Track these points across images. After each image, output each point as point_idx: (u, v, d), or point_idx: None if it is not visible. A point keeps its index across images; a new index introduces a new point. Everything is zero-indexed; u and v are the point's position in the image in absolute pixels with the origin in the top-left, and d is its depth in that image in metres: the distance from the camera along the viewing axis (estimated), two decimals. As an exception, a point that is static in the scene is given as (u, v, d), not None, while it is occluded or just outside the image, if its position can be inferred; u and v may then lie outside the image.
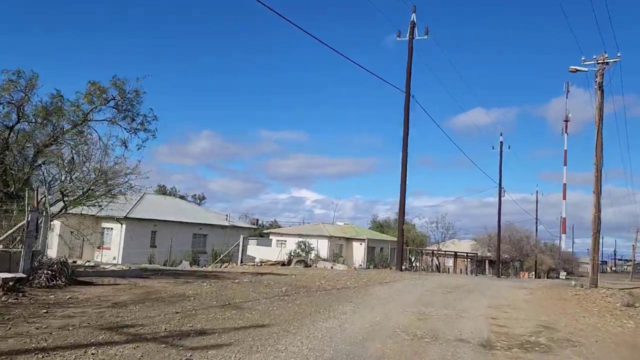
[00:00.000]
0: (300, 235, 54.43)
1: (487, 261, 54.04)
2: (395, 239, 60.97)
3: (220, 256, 24.92)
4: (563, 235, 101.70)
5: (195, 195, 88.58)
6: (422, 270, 29.83)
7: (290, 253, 27.62)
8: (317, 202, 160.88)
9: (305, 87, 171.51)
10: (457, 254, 56.64)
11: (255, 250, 42.01)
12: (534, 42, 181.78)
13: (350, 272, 22.02)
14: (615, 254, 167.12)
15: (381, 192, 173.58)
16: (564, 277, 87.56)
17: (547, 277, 75.50)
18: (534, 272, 61.26)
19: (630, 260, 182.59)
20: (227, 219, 39.65)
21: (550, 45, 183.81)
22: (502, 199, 37.39)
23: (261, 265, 22.00)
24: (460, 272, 43.63)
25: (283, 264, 22.52)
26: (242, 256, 22.16)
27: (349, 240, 54.25)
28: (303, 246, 27.38)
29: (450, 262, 76.50)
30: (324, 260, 25.77)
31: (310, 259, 26.27)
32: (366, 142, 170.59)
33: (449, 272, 46.67)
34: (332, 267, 23.17)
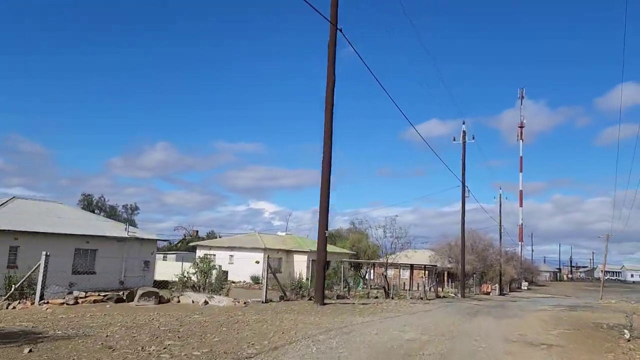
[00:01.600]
0: (231, 248, 46.32)
1: (446, 273, 47.63)
2: (346, 250, 53.58)
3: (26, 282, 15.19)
4: (520, 243, 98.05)
5: (126, 205, 78.68)
6: (365, 295, 22.54)
7: (183, 273, 19.46)
8: (276, 213, 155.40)
9: (260, 98, 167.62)
10: (414, 266, 50.06)
11: (173, 267, 33.45)
12: (484, 52, 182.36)
13: (214, 317, 12.69)
14: (571, 262, 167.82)
15: (339, 203, 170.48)
16: (526, 288, 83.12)
17: (510, 289, 70.35)
18: (497, 285, 55.42)
19: (585, 267, 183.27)
20: (126, 229, 31.08)
21: (504, 54, 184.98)
22: (465, 198, 30.69)
23: (76, 302, 13.35)
24: (417, 288, 36.71)
25: (119, 299, 14.18)
26: (42, 286, 13.44)
27: (289, 252, 46.51)
28: (202, 263, 19.38)
29: (407, 274, 69.98)
30: (197, 290, 17.39)
31: (177, 289, 18.09)
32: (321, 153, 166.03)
33: (404, 288, 39.66)
34: (205, 303, 15.03)
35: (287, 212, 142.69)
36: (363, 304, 17.40)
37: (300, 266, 45.28)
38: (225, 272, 33.98)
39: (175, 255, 47.75)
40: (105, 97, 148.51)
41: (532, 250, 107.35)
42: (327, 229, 15.72)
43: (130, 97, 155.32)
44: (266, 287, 17.42)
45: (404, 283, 52.35)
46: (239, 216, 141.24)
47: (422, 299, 26.01)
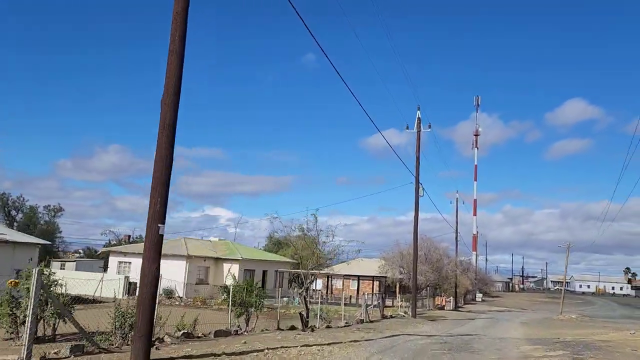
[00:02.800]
0: (149, 255, 39.68)
1: (398, 286, 42.61)
2: (287, 259, 47.80)
3: None
4: (475, 253, 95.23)
5: (48, 206, 69.69)
6: (286, 317, 17.05)
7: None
8: (232, 220, 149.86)
9: (219, 102, 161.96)
10: (361, 277, 45.02)
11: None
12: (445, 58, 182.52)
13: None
14: (523, 272, 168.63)
15: (299, 210, 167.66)
16: (480, 300, 79.86)
17: (465, 301, 66.46)
18: (452, 298, 51.04)
19: (535, 277, 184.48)
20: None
21: (461, 60, 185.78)
22: (419, 197, 25.53)
23: None
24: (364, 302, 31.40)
25: None
26: None
27: (218, 260, 40.17)
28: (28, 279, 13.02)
29: (356, 285, 64.83)
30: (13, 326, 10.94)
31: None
32: (282, 160, 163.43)
33: (350, 302, 34.22)
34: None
35: (245, 220, 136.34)
36: (241, 353, 9.91)
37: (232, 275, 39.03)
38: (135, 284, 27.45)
39: (75, 263, 40.43)
40: (53, 96, 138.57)
41: (487, 260, 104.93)
42: (162, 222, 8.97)
43: (78, 97, 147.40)
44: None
45: (351, 297, 46.94)
46: (193, 222, 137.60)
47: (362, 322, 20.54)
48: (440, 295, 56.10)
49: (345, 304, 34.13)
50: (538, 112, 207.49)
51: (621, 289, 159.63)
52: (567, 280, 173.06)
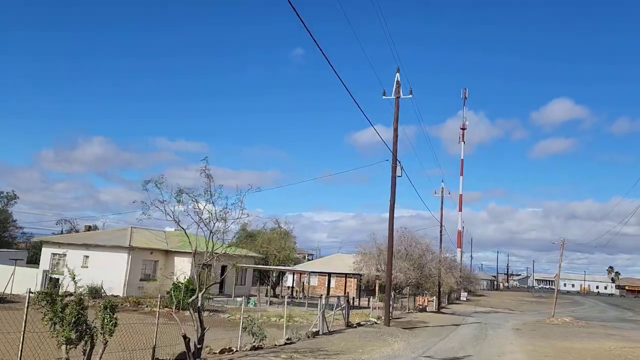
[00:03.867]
0: (86, 246, 34.22)
1: (377, 284, 37.89)
2: (252, 254, 42.49)
3: None
4: (458, 250, 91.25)
5: (1, 193, 63.64)
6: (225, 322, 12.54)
7: None
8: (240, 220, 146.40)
9: (206, 95, 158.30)
10: (333, 275, 40.36)
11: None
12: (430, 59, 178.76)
13: None
14: (508, 270, 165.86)
15: (284, 206, 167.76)
16: (465, 299, 75.77)
17: (449, 300, 62.26)
18: (436, 297, 46.65)
19: (519, 275, 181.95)
20: None
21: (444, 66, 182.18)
22: (396, 178, 20.67)
23: None
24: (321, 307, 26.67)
25: None
26: None
27: (169, 253, 35.02)
28: None
29: (333, 283, 60.16)
30: None
31: None
32: (268, 155, 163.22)
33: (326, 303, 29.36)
34: None
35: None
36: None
37: (184, 271, 33.94)
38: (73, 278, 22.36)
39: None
40: (35, 83, 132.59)
41: (472, 257, 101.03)
42: None
43: (61, 85, 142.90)
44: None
45: (321, 296, 42.20)
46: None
47: (315, 334, 15.69)
48: (422, 295, 51.70)
49: (311, 305, 29.36)
50: (524, 110, 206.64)
51: (605, 288, 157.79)
52: (551, 279, 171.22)
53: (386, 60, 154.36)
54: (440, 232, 40.25)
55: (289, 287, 54.97)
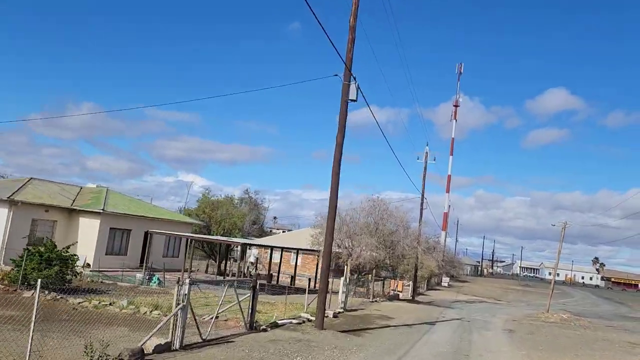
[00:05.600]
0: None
1: (347, 264, 30.75)
2: (189, 219, 34.21)
3: None
4: (444, 232, 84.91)
5: None
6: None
7: None
8: (205, 187, 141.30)
9: (197, 66, 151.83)
10: (286, 250, 33.44)
11: None
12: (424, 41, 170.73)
13: None
14: (493, 257, 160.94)
15: (273, 182, 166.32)
16: (447, 285, 69.32)
17: (429, 286, 55.76)
18: (412, 281, 39.95)
19: (503, 262, 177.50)
20: None
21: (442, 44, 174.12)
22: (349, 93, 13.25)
23: None
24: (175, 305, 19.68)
25: None
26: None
27: (73, 213, 27.52)
28: None
29: (299, 260, 53.55)
30: None
31: None
32: (261, 130, 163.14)
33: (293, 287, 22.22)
34: None
35: (189, 183, 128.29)
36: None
37: (90, 236, 26.55)
38: None
39: None
40: (21, 44, 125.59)
41: (457, 241, 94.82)
42: None
43: (50, 46, 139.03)
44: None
45: (272, 275, 35.06)
46: (166, 187, 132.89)
47: (176, 349, 8.48)
48: (396, 279, 44.94)
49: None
50: (519, 98, 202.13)
51: (591, 279, 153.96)
52: (537, 267, 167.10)
53: (383, 37, 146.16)
54: (422, 204, 33.22)
55: (252, 263, 48.00)
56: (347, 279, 20.36)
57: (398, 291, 37.89)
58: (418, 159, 34.40)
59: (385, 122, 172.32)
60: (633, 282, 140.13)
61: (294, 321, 13.72)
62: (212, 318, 11.44)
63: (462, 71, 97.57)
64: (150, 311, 12.76)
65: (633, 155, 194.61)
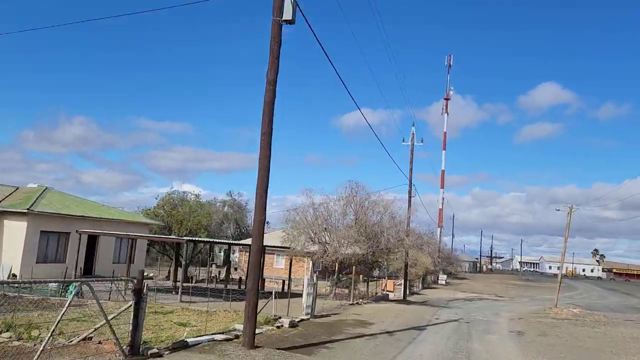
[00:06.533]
0: None
1: (336, 264, 26.16)
2: (145, 220, 29.11)
3: None
4: (440, 229, 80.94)
5: None
6: None
7: None
8: (201, 196, 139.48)
9: (189, 77, 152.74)
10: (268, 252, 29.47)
11: None
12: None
13: None
14: (491, 252, 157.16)
15: (270, 188, 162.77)
16: (444, 282, 65.14)
17: (424, 284, 51.70)
18: (404, 280, 35.97)
19: (502, 258, 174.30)
20: None
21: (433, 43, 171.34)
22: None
23: None
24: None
25: None
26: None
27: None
28: None
29: (282, 263, 49.49)
30: None
31: None
32: (253, 137, 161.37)
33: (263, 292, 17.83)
34: None
35: (213, 196, 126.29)
36: None
37: (16, 241, 22.37)
38: None
39: None
40: (14, 62, 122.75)
41: (453, 236, 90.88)
42: None
43: (42, 64, 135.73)
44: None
45: (241, 278, 30.89)
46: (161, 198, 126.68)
47: None
48: (390, 278, 40.93)
49: (198, 293, 18.06)
50: (512, 94, 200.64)
51: (592, 271, 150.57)
52: (537, 262, 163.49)
53: (374, 39, 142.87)
54: (409, 191, 29.20)
55: (218, 265, 43.95)
56: (314, 278, 16.35)
57: (388, 291, 33.92)
58: (404, 141, 30.48)
59: (377, 124, 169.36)
60: (636, 272, 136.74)
61: (218, 337, 9.69)
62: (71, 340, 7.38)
63: (451, 63, 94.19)
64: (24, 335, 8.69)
65: (625, 146, 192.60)
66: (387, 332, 14.12)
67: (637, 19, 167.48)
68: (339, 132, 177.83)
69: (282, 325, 12.87)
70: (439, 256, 64.07)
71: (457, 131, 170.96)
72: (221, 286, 27.68)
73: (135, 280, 7.96)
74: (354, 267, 24.04)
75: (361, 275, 38.17)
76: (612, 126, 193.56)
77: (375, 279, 45.43)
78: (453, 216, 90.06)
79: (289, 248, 24.08)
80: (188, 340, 9.00)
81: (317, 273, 27.21)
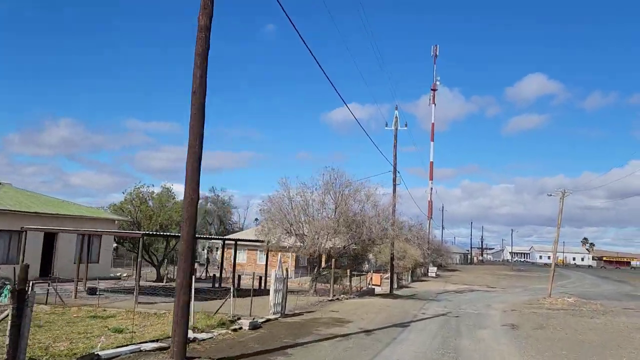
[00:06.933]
0: None
1: (322, 257, 24.06)
2: (111, 216, 26.08)
3: None
4: (430, 220, 79.53)
5: None
6: None
7: None
8: (174, 191, 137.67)
9: (175, 74, 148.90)
10: (229, 244, 27.71)
11: None
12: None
13: None
14: (482, 243, 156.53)
15: (257, 186, 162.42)
16: (434, 274, 63.59)
17: (414, 277, 50.12)
18: (397, 273, 34.29)
19: (492, 249, 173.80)
20: None
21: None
22: None
23: None
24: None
25: None
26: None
27: None
28: None
29: (261, 260, 47.76)
30: None
31: None
32: (242, 135, 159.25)
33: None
34: None
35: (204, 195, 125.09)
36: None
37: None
38: None
39: None
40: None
41: (443, 228, 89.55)
42: None
43: (26, 66, 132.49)
44: None
45: (240, 276, 28.94)
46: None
47: None
48: (378, 272, 39.27)
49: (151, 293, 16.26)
50: (499, 86, 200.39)
51: (582, 259, 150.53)
52: (527, 252, 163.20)
53: (358, 30, 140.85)
54: (394, 177, 27.40)
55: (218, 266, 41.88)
56: (284, 271, 14.53)
57: (374, 285, 32.21)
58: (387, 125, 28.68)
59: (366, 119, 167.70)
60: (625, 260, 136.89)
61: (148, 347, 7.85)
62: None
63: (437, 53, 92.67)
64: None
65: (612, 135, 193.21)
66: (365, 331, 12.33)
67: (623, 9, 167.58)
68: (329, 128, 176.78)
69: (240, 328, 11.04)
70: (428, 248, 62.66)
71: (445, 124, 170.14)
72: (197, 285, 25.79)
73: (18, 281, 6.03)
74: (333, 260, 22.22)
75: (349, 270, 36.40)
76: (599, 116, 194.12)
77: (364, 273, 43.74)
78: (442, 207, 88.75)
79: (262, 242, 22.21)
80: (101, 353, 7.13)
81: (290, 269, 25.26)
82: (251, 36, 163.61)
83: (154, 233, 22.47)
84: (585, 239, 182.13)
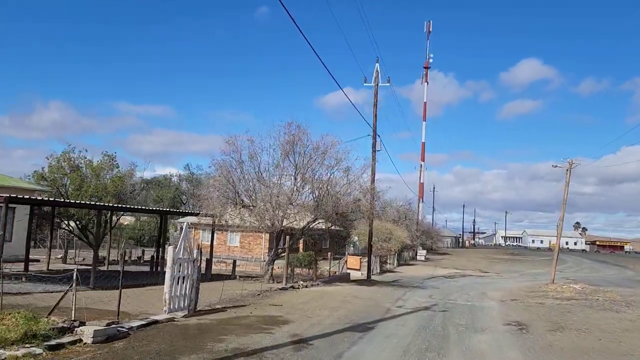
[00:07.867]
0: None
1: (283, 235, 19.33)
2: (42, 187, 20.49)
3: None
4: (420, 202, 75.46)
5: None
6: None
7: None
8: (116, 158, 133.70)
9: (170, 56, 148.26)
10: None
11: None
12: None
13: None
14: (474, 227, 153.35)
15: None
16: (423, 258, 59.21)
17: (400, 261, 45.97)
18: (376, 257, 29.93)
19: (484, 233, 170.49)
20: None
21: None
22: None
23: None
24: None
25: None
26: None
27: None
28: None
29: (237, 240, 43.40)
30: None
31: None
32: (236, 119, 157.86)
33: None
34: None
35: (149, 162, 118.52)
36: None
37: None
38: None
39: None
40: None
41: (434, 209, 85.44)
42: None
43: (13, 48, 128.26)
44: None
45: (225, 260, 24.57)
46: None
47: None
48: (352, 254, 34.87)
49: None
50: (494, 71, 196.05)
51: (575, 244, 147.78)
52: (519, 236, 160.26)
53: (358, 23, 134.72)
54: (374, 142, 22.80)
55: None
56: (191, 252, 10.03)
57: (352, 269, 27.78)
58: (366, 81, 24.00)
59: (361, 103, 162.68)
60: (619, 244, 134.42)
61: None
62: None
63: (430, 30, 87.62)
64: None
65: (604, 122, 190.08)
66: (298, 341, 7.89)
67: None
68: (322, 112, 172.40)
69: (79, 341, 6.54)
70: (417, 229, 58.54)
71: (439, 109, 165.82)
72: (133, 268, 21.30)
73: None
74: (287, 238, 17.71)
75: (329, 253, 32.08)
76: (592, 102, 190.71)
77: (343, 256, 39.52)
78: (434, 188, 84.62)
79: (197, 214, 17.68)
80: None
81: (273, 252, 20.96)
82: (246, 20, 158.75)
83: (64, 201, 17.81)
84: (577, 223, 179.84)
